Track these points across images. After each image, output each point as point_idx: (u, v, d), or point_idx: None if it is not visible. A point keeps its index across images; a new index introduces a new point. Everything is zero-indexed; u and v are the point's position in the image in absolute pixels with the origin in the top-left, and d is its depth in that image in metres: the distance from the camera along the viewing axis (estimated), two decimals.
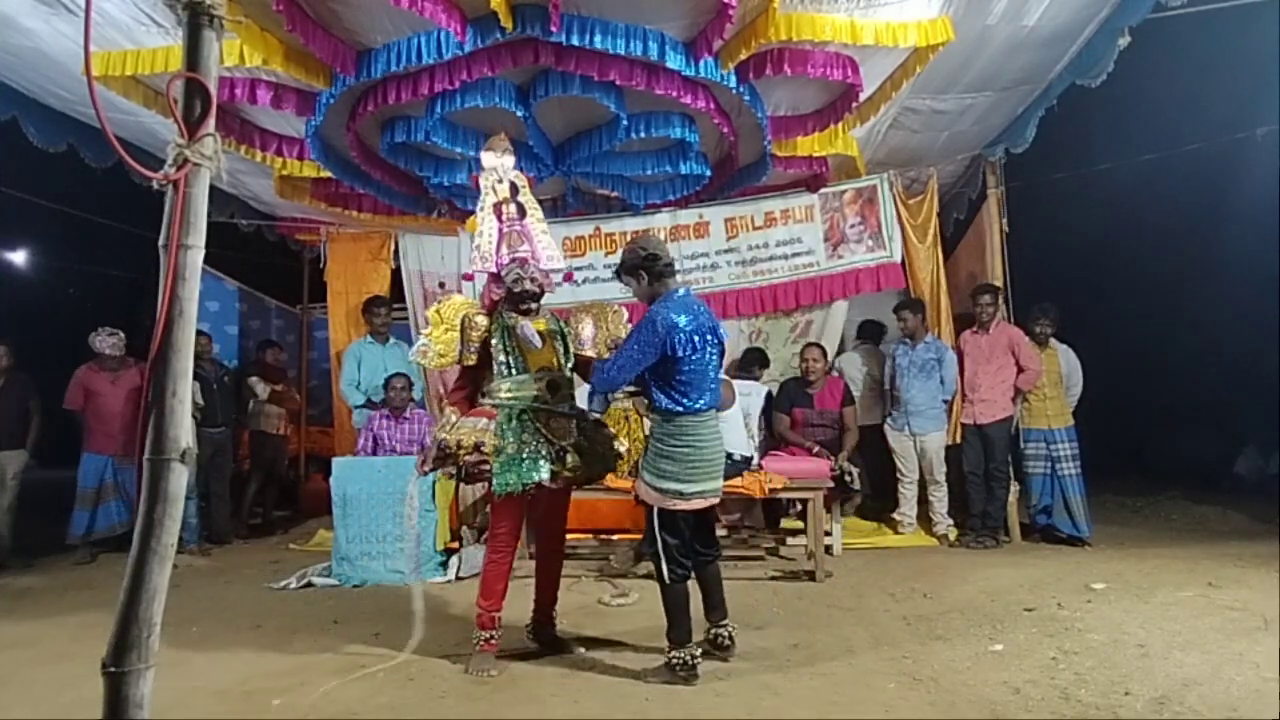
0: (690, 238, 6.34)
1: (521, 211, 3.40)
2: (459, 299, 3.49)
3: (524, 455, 3.09)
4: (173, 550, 1.73)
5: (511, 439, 3.11)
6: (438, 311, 3.37)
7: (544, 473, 3.08)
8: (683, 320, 2.94)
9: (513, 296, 3.27)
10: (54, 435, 5.85)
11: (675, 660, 2.93)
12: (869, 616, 3.81)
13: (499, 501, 3.18)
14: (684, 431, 2.98)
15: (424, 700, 2.88)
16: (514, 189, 3.42)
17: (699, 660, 2.97)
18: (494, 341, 3.24)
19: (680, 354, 2.92)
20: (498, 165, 3.44)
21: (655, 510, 2.99)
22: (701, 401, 3.00)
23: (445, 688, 2.99)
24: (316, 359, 8.09)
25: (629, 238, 6.36)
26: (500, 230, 3.33)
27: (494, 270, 3.31)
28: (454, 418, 3.26)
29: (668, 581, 2.98)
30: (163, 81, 4.00)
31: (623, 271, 3.19)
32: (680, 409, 2.97)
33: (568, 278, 3.59)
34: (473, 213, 5.98)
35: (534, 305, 3.29)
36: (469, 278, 3.40)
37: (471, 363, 3.28)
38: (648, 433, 3.13)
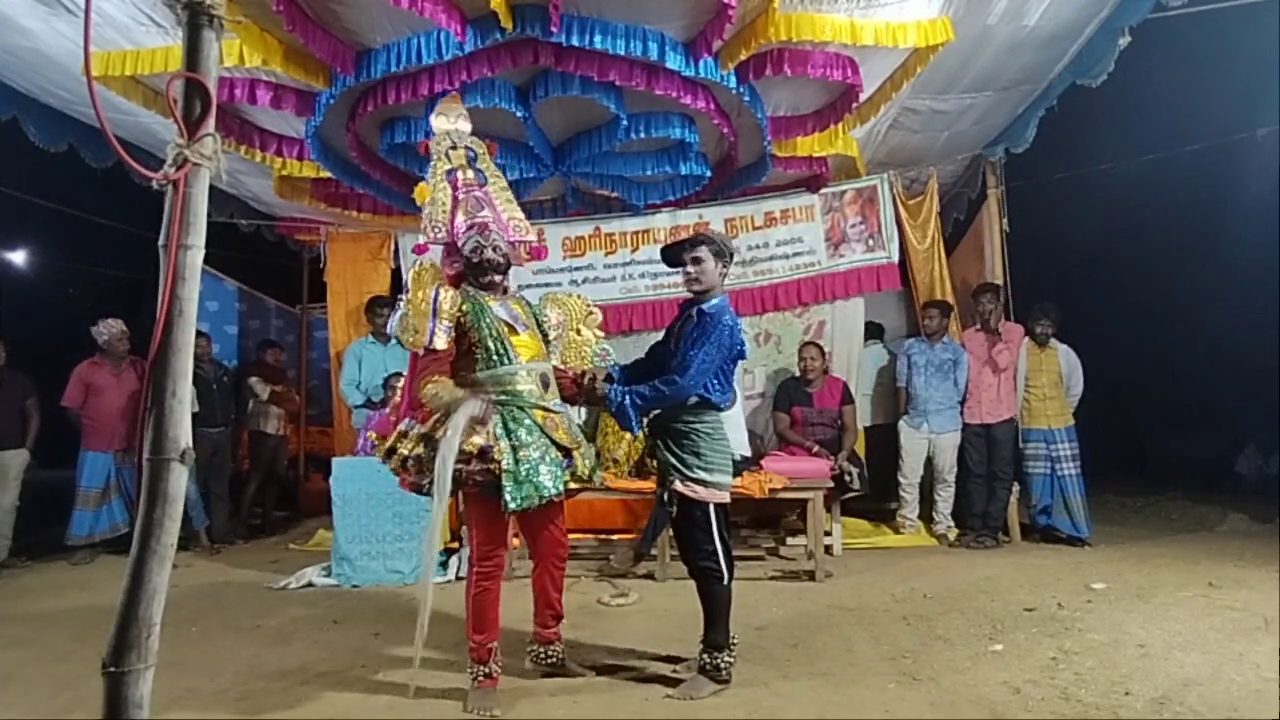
0: None
1: (482, 179, 3.07)
2: (436, 265, 2.96)
3: (539, 462, 2.70)
4: (173, 550, 1.73)
5: (522, 444, 2.70)
6: (417, 275, 2.82)
7: (561, 484, 2.74)
8: (738, 324, 2.99)
9: (473, 268, 2.89)
10: (52, 435, 5.84)
11: (723, 663, 2.88)
12: (869, 616, 3.81)
13: (490, 519, 2.79)
14: (720, 424, 2.99)
15: (423, 700, 2.88)
16: (471, 155, 3.08)
17: (734, 660, 2.95)
18: (474, 324, 2.80)
19: (741, 355, 2.97)
20: (450, 130, 3.09)
21: (712, 507, 2.90)
22: (730, 396, 3.03)
23: (445, 689, 2.98)
24: (316, 359, 8.09)
25: (629, 238, 6.37)
26: (456, 197, 2.98)
27: (449, 240, 2.95)
28: (445, 386, 2.69)
29: (725, 581, 2.91)
30: (162, 81, 3.99)
31: (711, 248, 2.94)
32: (725, 404, 2.98)
33: (538, 254, 3.18)
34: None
35: (498, 278, 2.93)
36: (421, 249, 2.95)
37: (443, 346, 2.75)
38: (676, 431, 2.93)
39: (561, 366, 3.08)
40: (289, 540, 6.24)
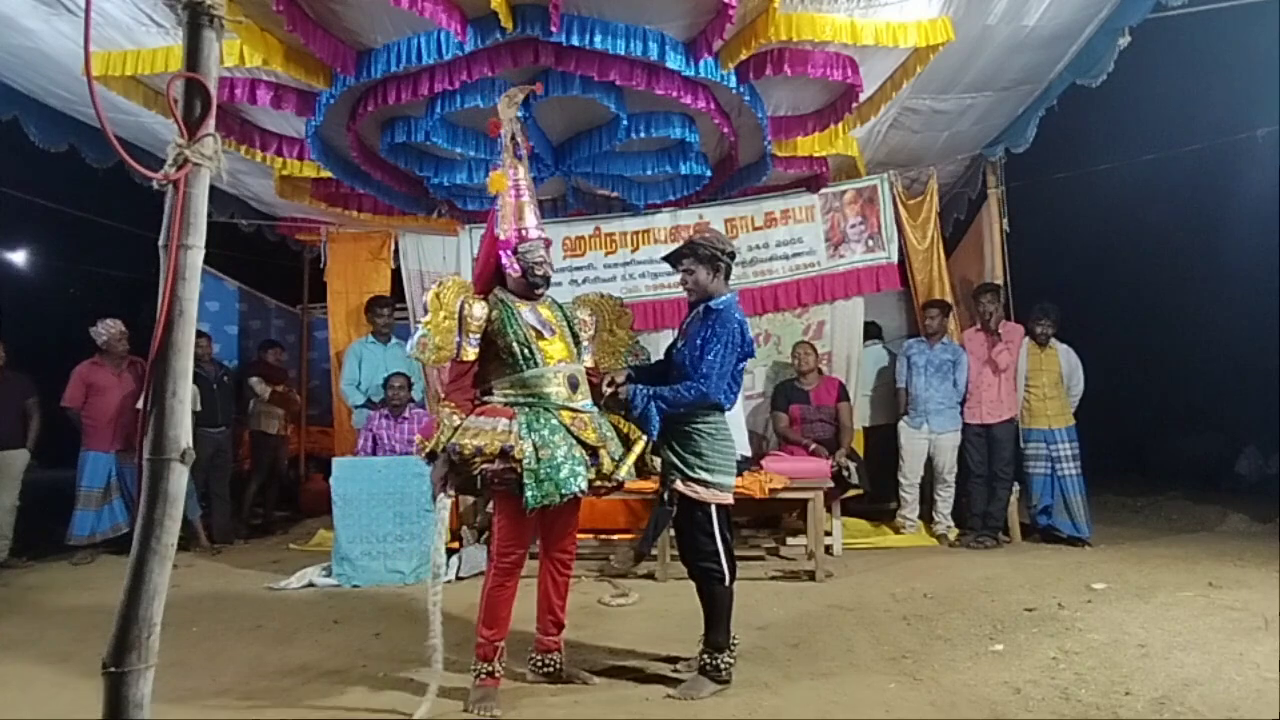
0: None
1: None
2: (460, 280, 2.99)
3: (560, 461, 2.71)
4: (173, 550, 1.73)
5: (544, 444, 2.72)
6: (437, 296, 2.85)
7: (583, 481, 2.75)
8: (746, 321, 2.98)
9: (528, 280, 2.93)
10: (52, 435, 5.84)
11: (723, 664, 2.88)
12: (869, 616, 3.81)
13: (515, 517, 2.81)
14: (725, 425, 2.99)
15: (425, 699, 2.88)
16: (519, 153, 3.07)
17: (734, 661, 2.96)
18: (501, 330, 2.84)
19: (750, 354, 2.97)
20: (511, 119, 3.08)
21: (713, 508, 2.90)
22: (737, 397, 3.03)
23: (445, 688, 2.98)
24: (316, 359, 8.10)
25: (629, 238, 6.37)
26: (518, 193, 3.00)
27: (515, 242, 2.94)
28: (458, 419, 2.76)
29: (727, 582, 2.91)
30: (163, 81, 4.00)
31: (696, 258, 2.96)
32: (728, 405, 2.98)
33: None
34: (473, 212, 6.04)
35: (541, 292, 2.99)
36: (506, 245, 2.95)
37: (471, 358, 2.85)
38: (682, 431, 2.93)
39: (593, 367, 3.11)
40: (290, 540, 6.24)
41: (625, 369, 3.12)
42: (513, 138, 3.07)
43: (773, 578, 4.66)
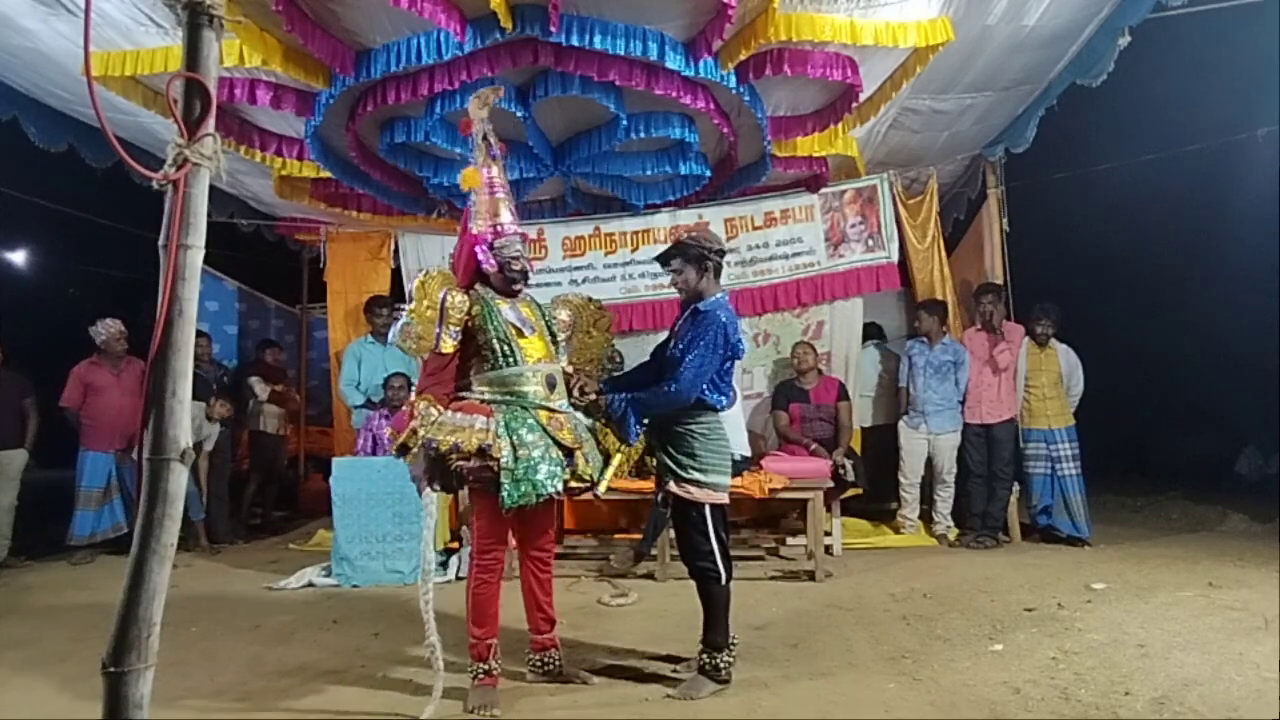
0: None
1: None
2: (445, 272, 3.01)
3: (537, 461, 2.69)
4: (173, 550, 1.73)
5: (522, 444, 2.70)
6: (422, 285, 2.86)
7: (559, 482, 2.72)
8: (735, 322, 2.98)
9: (506, 275, 2.92)
10: (51, 435, 5.84)
11: (723, 663, 2.88)
12: (869, 616, 3.81)
13: (492, 515, 2.80)
14: (719, 425, 2.99)
15: (423, 700, 2.88)
16: (494, 153, 3.06)
17: (734, 660, 2.96)
18: (482, 326, 2.83)
19: (737, 354, 2.97)
20: (484, 119, 3.09)
21: (708, 508, 2.91)
22: (728, 398, 3.04)
23: (445, 688, 2.97)
24: (316, 359, 8.10)
25: (629, 238, 6.37)
26: (493, 190, 3.00)
27: (490, 237, 2.93)
28: (434, 413, 2.72)
29: (723, 581, 2.92)
30: (162, 81, 4.00)
31: (685, 258, 2.97)
32: (721, 405, 2.99)
33: None
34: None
35: (520, 286, 2.98)
36: (478, 240, 2.92)
37: (449, 350, 2.83)
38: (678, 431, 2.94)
39: (569, 369, 3.10)
40: (289, 540, 6.23)
41: (598, 378, 3.12)
42: (484, 137, 3.06)
43: (772, 578, 4.66)
